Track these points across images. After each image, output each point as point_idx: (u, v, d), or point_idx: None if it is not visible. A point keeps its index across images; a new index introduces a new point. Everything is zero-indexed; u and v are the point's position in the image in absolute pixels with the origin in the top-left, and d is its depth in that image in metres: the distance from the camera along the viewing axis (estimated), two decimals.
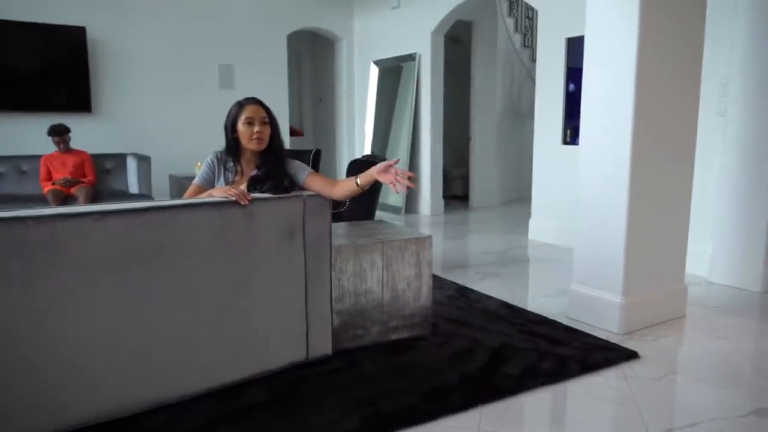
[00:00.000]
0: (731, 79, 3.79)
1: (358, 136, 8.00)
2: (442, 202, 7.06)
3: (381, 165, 2.40)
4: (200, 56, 6.72)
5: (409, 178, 2.35)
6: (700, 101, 3.15)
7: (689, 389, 2.40)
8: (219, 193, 2.29)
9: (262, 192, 2.38)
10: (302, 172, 2.55)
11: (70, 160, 5.20)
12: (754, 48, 3.67)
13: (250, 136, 2.47)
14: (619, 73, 2.89)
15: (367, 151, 7.57)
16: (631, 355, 2.66)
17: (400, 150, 7.03)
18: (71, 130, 5.24)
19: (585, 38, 3.08)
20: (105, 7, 6.11)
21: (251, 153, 2.54)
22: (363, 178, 2.44)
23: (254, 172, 2.50)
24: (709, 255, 3.95)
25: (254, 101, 2.53)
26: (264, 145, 2.51)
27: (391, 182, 2.34)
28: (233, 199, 2.21)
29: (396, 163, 2.38)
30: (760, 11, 3.63)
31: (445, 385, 2.35)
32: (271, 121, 2.53)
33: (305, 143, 8.99)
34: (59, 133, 5.13)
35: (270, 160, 2.51)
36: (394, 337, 2.78)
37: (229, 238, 2.22)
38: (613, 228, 2.97)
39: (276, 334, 2.40)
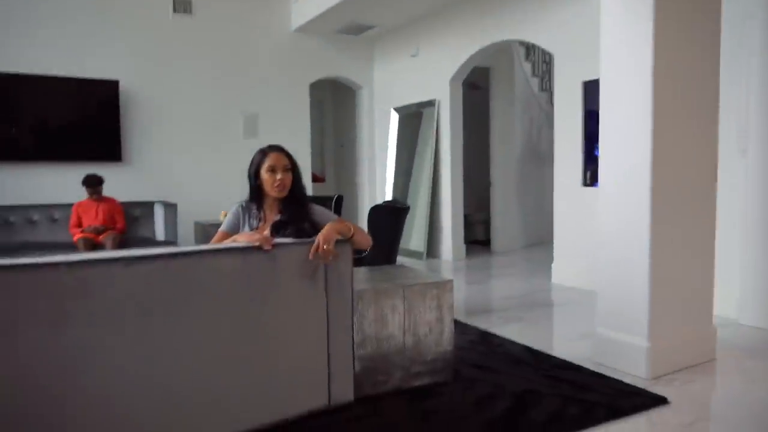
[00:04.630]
0: (750, 117, 3.79)
1: (380, 181, 8.10)
2: (463, 246, 7.05)
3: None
4: (226, 107, 6.96)
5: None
6: (720, 140, 3.14)
7: None
8: (243, 238, 2.34)
9: (285, 237, 2.43)
10: (329, 218, 2.59)
11: (101, 208, 5.35)
12: None
13: (272, 184, 2.54)
14: (635, 115, 2.92)
15: (389, 196, 7.64)
16: (659, 401, 2.60)
17: (420, 195, 7.09)
18: (104, 180, 5.42)
19: (600, 81, 3.13)
20: (137, 62, 6.42)
21: (273, 199, 2.60)
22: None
23: (277, 218, 2.56)
24: (736, 297, 3.87)
25: (277, 149, 2.61)
26: (286, 192, 2.57)
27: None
28: (257, 244, 2.26)
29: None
30: None
31: None
32: (293, 169, 2.60)
33: (327, 189, 9.11)
34: (93, 184, 5.31)
35: (292, 206, 2.57)
36: (416, 383, 2.75)
37: (253, 282, 2.26)
38: (636, 270, 2.94)
39: (297, 380, 2.39)
